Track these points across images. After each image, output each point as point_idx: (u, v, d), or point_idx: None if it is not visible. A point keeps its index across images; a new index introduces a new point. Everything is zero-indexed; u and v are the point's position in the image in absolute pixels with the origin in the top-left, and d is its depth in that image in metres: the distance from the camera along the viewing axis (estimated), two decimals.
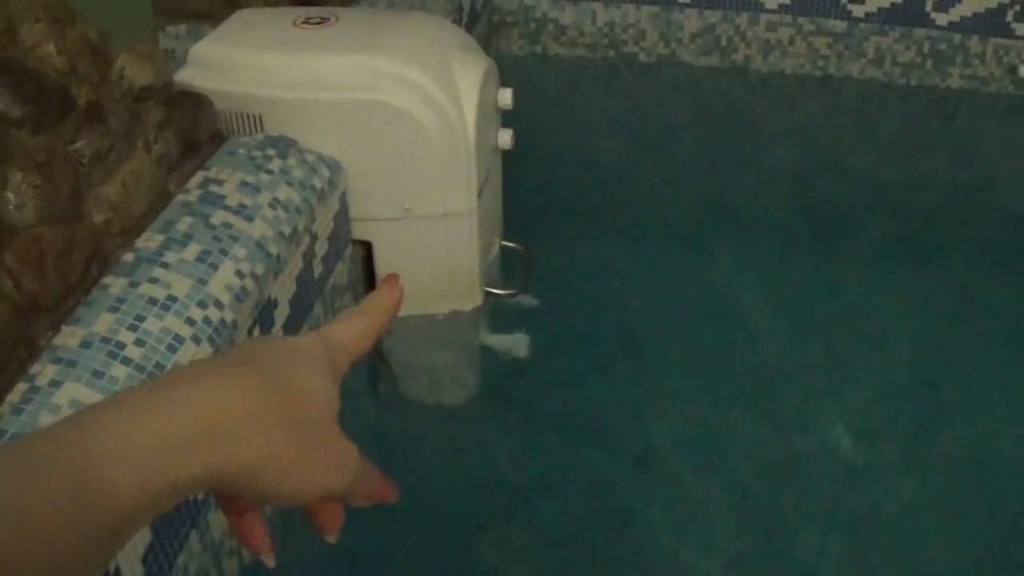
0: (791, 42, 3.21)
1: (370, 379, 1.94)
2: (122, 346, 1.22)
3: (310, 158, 1.67)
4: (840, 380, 2.02)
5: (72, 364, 1.18)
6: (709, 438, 1.88)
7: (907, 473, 1.82)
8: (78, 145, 1.28)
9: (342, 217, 1.76)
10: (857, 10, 3.16)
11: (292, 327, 1.59)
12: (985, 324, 2.19)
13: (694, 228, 2.48)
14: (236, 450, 0.53)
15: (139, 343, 1.24)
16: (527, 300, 2.07)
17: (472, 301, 1.93)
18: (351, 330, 0.66)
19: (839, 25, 3.18)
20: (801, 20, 3.17)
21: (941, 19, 3.17)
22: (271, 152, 1.64)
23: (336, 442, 0.60)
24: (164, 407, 0.52)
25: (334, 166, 1.70)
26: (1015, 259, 2.41)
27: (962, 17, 3.16)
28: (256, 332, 1.45)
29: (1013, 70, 3.19)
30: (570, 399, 1.92)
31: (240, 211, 1.49)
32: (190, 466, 0.51)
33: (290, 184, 1.59)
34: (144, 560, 1.14)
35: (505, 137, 1.92)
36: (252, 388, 0.55)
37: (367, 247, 1.86)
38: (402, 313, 1.83)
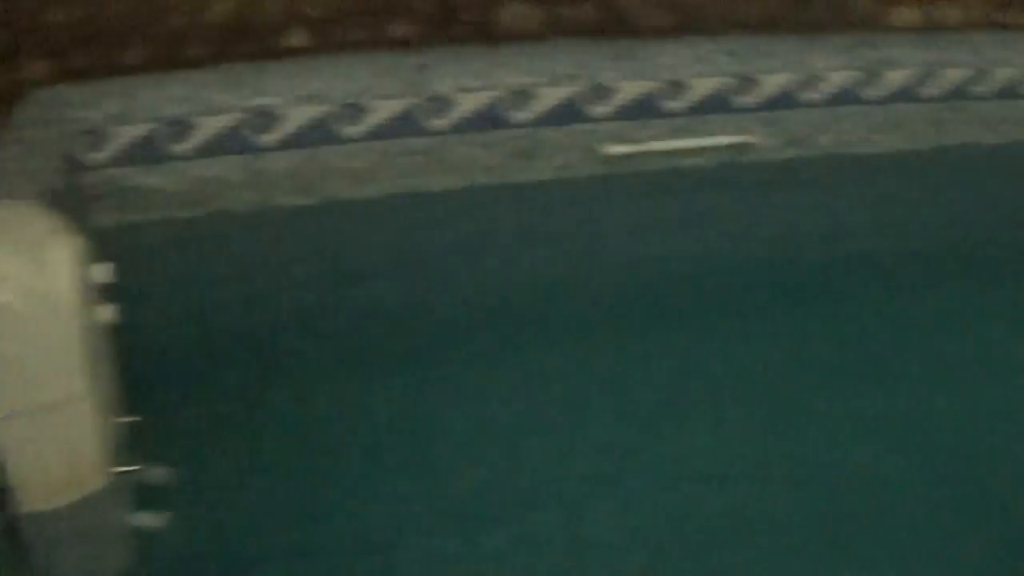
0: (378, 167, 3.39)
1: None
2: None
3: None
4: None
5: None
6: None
7: None
8: None
9: None
10: (437, 125, 3.39)
11: None
12: None
13: (309, 369, 2.70)
14: None
15: None
16: (159, 472, 2.13)
17: (98, 483, 1.96)
18: None
19: (421, 143, 3.40)
20: (383, 144, 3.37)
21: (518, 118, 3.45)
22: None
23: None
24: None
25: None
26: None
27: (538, 113, 3.46)
28: None
29: (597, 151, 3.50)
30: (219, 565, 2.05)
31: None
32: None
33: None
34: None
35: (109, 313, 1.98)
36: None
37: None
38: (28, 510, 1.86)
